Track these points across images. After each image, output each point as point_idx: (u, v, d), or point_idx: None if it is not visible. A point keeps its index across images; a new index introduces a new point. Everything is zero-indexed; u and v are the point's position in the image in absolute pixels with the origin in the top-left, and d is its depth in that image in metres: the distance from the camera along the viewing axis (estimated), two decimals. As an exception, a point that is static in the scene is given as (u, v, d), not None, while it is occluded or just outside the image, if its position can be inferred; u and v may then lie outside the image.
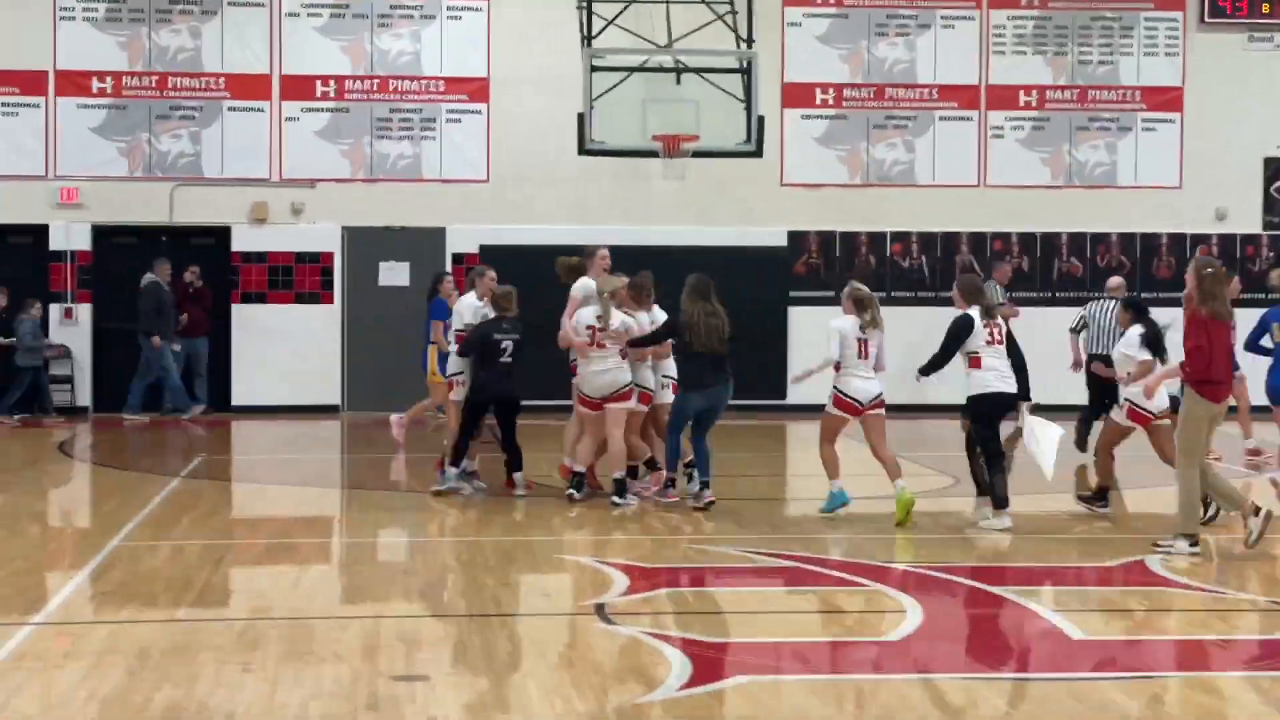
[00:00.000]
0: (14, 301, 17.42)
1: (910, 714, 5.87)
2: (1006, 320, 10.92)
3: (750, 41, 16.16)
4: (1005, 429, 10.61)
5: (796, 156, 18.91)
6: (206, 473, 13.18)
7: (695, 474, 10.88)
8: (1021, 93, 19.23)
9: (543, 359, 11.87)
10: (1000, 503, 10.06)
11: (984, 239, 19.27)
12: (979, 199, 19.22)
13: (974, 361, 10.15)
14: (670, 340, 10.91)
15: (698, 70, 15.55)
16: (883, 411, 10.71)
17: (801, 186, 18.99)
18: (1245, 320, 12.51)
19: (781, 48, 18.77)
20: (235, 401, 18.19)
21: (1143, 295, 19.18)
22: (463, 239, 18.53)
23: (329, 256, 18.45)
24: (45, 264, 18.12)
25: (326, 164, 18.41)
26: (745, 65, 15.67)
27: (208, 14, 18.25)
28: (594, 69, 15.20)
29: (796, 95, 18.96)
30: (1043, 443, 10.14)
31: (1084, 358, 15.02)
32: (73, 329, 18.12)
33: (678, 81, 15.61)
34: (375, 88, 18.50)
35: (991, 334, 10.24)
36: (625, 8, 16.13)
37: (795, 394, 18.52)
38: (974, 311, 10.30)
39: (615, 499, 10.79)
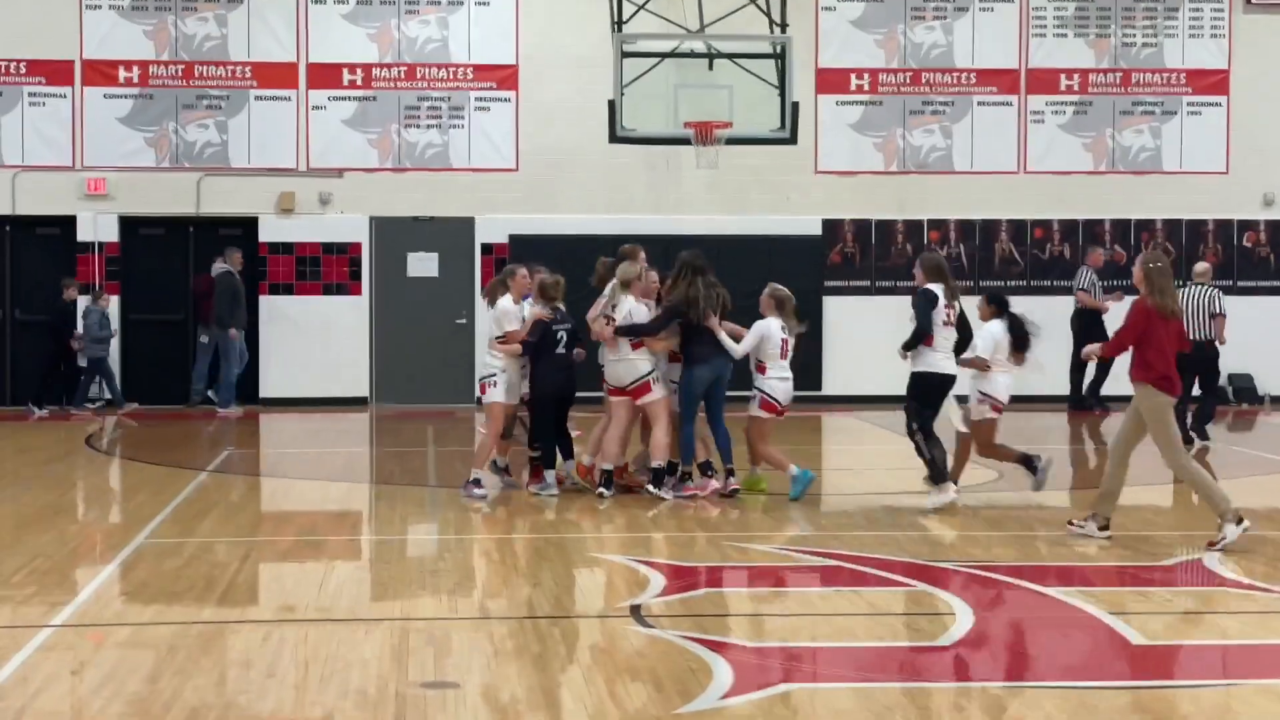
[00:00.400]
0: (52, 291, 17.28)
1: (966, 726, 5.56)
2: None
3: (784, 26, 15.85)
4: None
5: (831, 143, 18.57)
6: (233, 467, 12.96)
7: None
8: (1063, 76, 18.83)
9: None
10: (940, 476, 10.23)
11: (1024, 226, 18.89)
12: (1019, 186, 18.85)
13: (927, 340, 10.24)
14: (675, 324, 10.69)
15: (730, 56, 15.27)
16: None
17: (836, 174, 18.65)
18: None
19: (815, 32, 18.43)
20: (263, 394, 18.00)
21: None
22: (492, 229, 18.28)
23: (357, 247, 18.23)
24: (73, 255, 17.97)
25: (354, 153, 18.18)
26: (779, 50, 15.37)
27: (234, 2, 18.05)
28: (624, 55, 14.96)
29: (831, 81, 18.62)
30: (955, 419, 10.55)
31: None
32: (100, 321, 17.93)
33: (710, 67, 15.37)
34: (403, 75, 18.26)
35: (948, 315, 10.34)
36: (657, -8, 15.85)
37: (832, 385, 18.41)
38: (938, 288, 10.31)
39: (650, 487, 10.63)
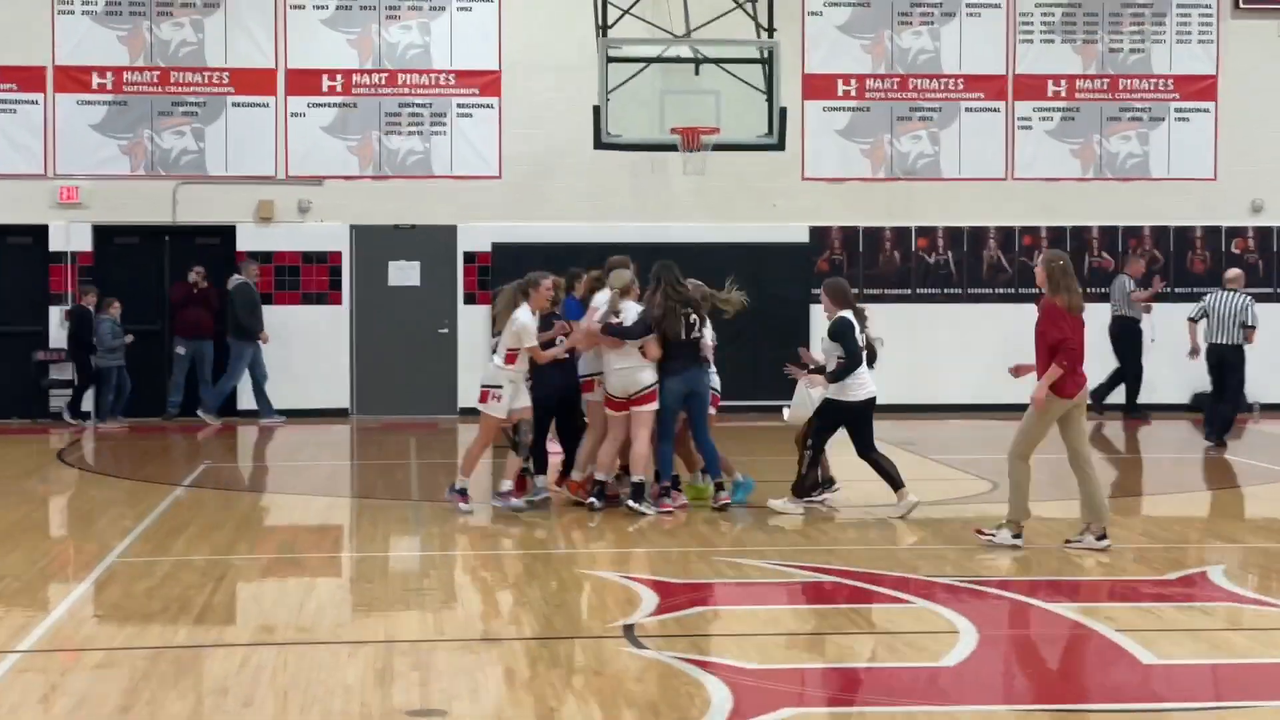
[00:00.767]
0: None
1: (979, 754, 5.31)
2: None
3: (771, 30, 15.65)
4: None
5: (818, 150, 18.35)
6: (211, 481, 12.65)
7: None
8: (1050, 82, 18.64)
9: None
10: (803, 492, 10.41)
11: (1012, 233, 18.70)
12: (1007, 192, 18.65)
13: (837, 377, 10.24)
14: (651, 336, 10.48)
15: (717, 61, 15.06)
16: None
17: (824, 181, 18.43)
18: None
19: (802, 38, 18.21)
20: (241, 405, 17.66)
21: (1177, 290, 18.72)
22: (475, 237, 18.00)
23: (337, 256, 17.93)
24: (45, 265, 17.62)
25: (334, 161, 17.88)
26: (766, 55, 15.17)
27: (210, 7, 17.72)
28: (610, 60, 14.75)
29: (818, 87, 18.40)
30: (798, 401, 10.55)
31: (1202, 347, 15.22)
32: (74, 332, 17.59)
33: (696, 72, 15.17)
34: (384, 82, 17.98)
35: (863, 339, 10.38)
36: (641, -4, 15.63)
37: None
38: (849, 314, 10.35)
39: (630, 502, 10.37)
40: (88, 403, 17.11)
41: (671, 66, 15.06)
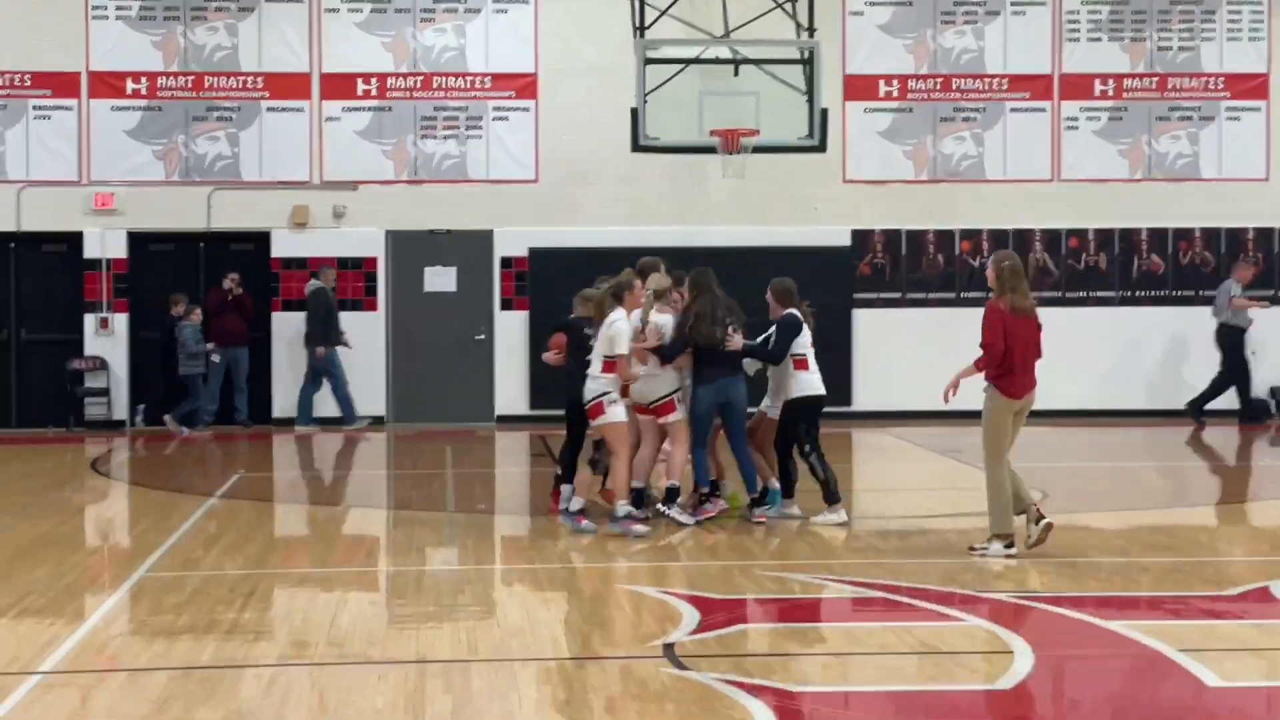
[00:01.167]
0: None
1: (1042, 788, 5.02)
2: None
3: (811, 30, 15.35)
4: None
5: (860, 152, 18.05)
6: (244, 492, 12.46)
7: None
8: (1097, 82, 18.27)
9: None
10: (834, 497, 10.22)
11: (1058, 236, 18.33)
12: (1053, 194, 18.28)
13: (800, 363, 10.20)
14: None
15: (756, 61, 14.80)
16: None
17: (865, 183, 18.12)
18: None
19: (842, 38, 17.91)
20: (276, 414, 17.51)
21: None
22: (511, 242, 17.79)
23: (372, 261, 17.75)
24: (80, 272, 17.52)
25: (369, 165, 17.71)
26: (806, 55, 14.89)
27: (245, 11, 17.59)
28: (647, 62, 14.50)
29: (859, 88, 18.09)
30: None
31: None
32: (109, 340, 17.51)
33: (735, 73, 14.91)
34: (419, 85, 17.79)
35: (812, 337, 10.34)
36: (679, -3, 15.37)
37: (863, 401, 17.86)
38: (795, 313, 10.29)
39: (660, 506, 10.15)
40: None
41: (710, 68, 14.80)
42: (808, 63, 14.84)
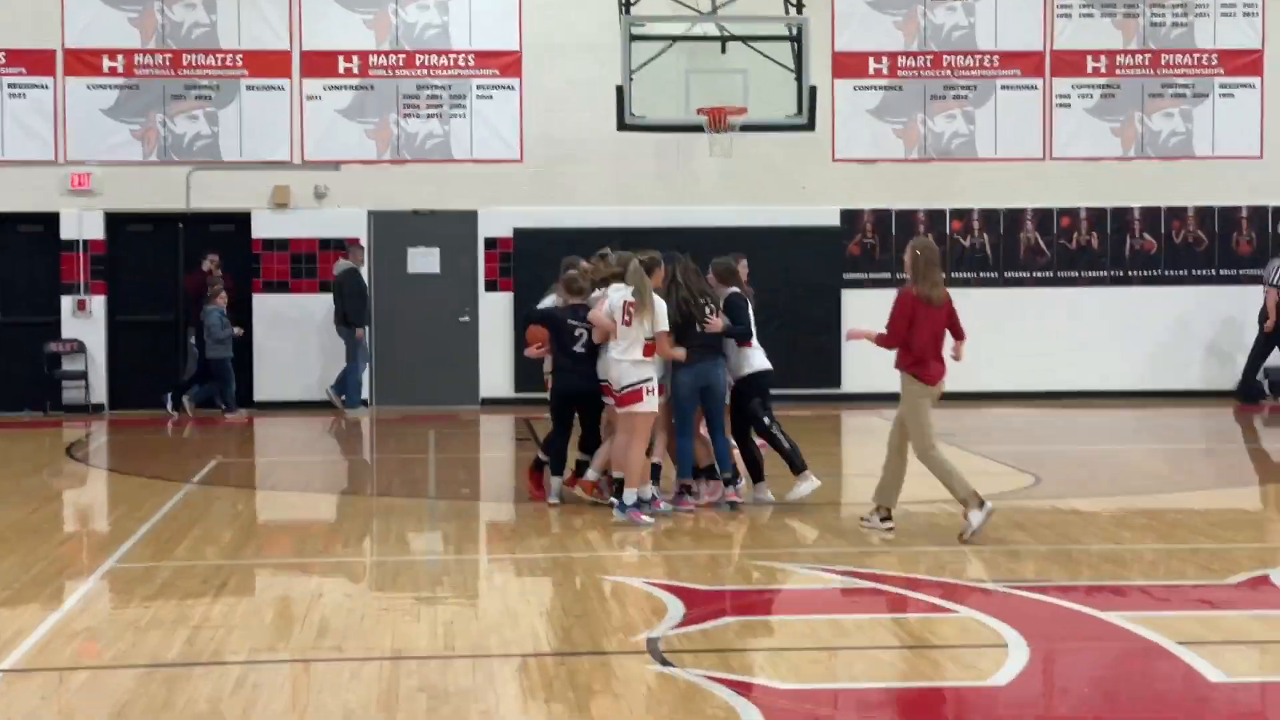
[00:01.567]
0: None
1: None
2: None
3: (800, 6, 15.14)
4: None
5: (849, 130, 17.81)
6: (222, 478, 12.22)
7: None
8: (1089, 58, 18.03)
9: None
10: (800, 466, 10.15)
11: (1050, 215, 18.12)
12: (1044, 172, 18.06)
13: (748, 341, 10.13)
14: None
15: (744, 38, 14.59)
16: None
17: (855, 162, 17.88)
18: None
19: (831, 14, 17.66)
20: (257, 397, 17.26)
21: (1222, 272, 18.12)
22: (496, 223, 17.54)
23: (355, 242, 17.47)
24: (56, 254, 17.24)
25: (351, 145, 17.43)
26: (795, 32, 14.67)
27: (223, -13, 17.29)
28: (633, 38, 14.30)
29: (848, 65, 17.84)
30: None
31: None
32: (87, 322, 17.24)
33: (723, 50, 14.74)
34: (401, 63, 17.50)
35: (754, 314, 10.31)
36: (666, -29, 15.13)
37: (851, 382, 17.64)
38: (737, 290, 10.24)
39: (612, 499, 9.78)
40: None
41: (697, 45, 14.62)
42: (796, 40, 14.62)
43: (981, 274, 18.06)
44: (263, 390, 17.28)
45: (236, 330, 16.70)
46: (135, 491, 11.41)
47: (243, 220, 17.42)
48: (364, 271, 16.97)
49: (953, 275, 18.00)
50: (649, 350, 9.55)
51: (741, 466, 10.38)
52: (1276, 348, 17.25)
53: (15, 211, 17.23)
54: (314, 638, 6.83)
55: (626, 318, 9.55)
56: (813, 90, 14.60)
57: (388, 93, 17.50)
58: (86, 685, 6.08)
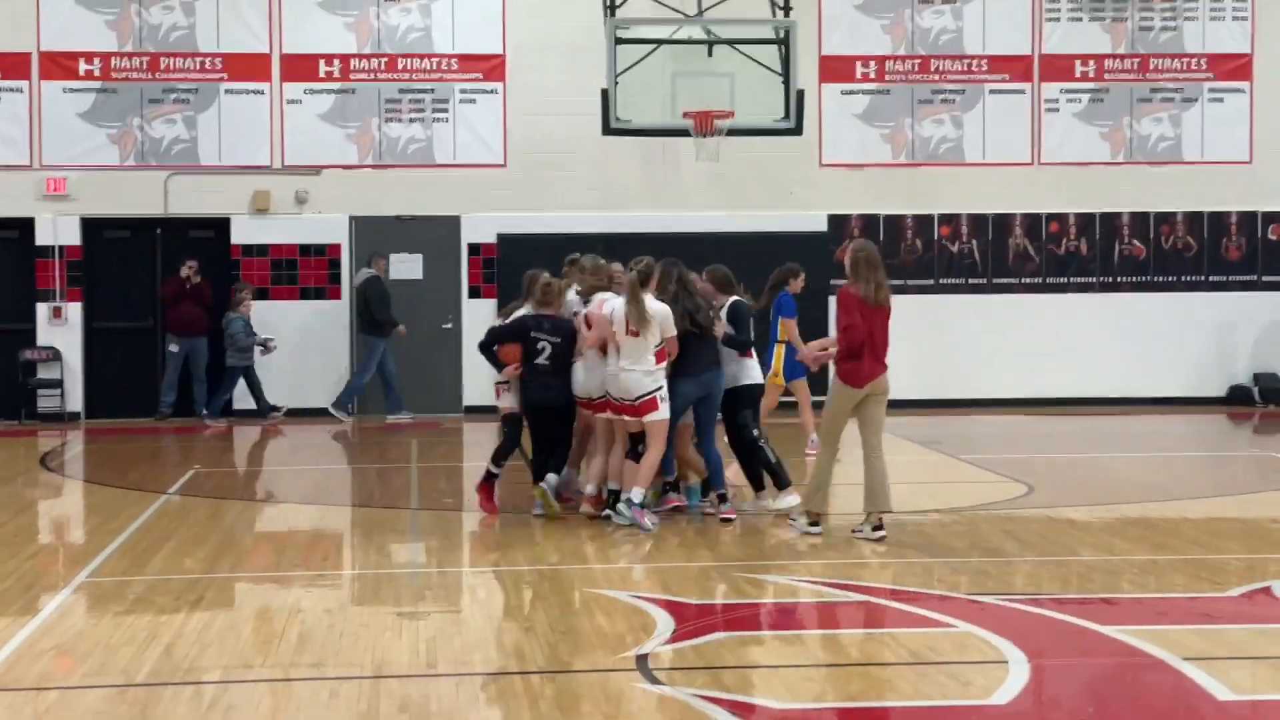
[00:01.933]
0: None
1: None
2: None
3: (787, 9, 14.96)
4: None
5: (836, 135, 17.63)
6: (199, 489, 11.95)
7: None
8: (1078, 63, 17.89)
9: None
10: (786, 482, 10.01)
11: (1039, 220, 17.96)
12: (1033, 177, 17.91)
13: (749, 351, 10.02)
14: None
15: (731, 41, 14.42)
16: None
17: (842, 167, 17.70)
18: None
19: (818, 18, 17.48)
20: (236, 405, 16.99)
21: (1211, 278, 17.99)
22: (479, 228, 17.32)
23: (336, 248, 17.25)
24: (31, 260, 16.96)
25: (332, 149, 17.19)
26: (782, 35, 14.50)
27: (202, -11, 17.04)
28: (618, 41, 14.12)
29: (835, 69, 17.67)
30: None
31: None
32: (62, 330, 16.96)
33: (709, 54, 14.57)
34: (383, 67, 17.27)
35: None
36: (651, -27, 14.94)
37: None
38: (738, 299, 10.12)
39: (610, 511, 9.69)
40: (241, 400, 16.73)
41: (683, 48, 14.47)
42: (783, 43, 14.46)
43: (970, 280, 17.90)
44: (242, 399, 17.01)
45: (269, 341, 16.44)
46: (110, 502, 11.16)
47: (222, 226, 17.17)
48: (384, 278, 16.81)
49: (941, 281, 17.87)
50: (661, 357, 9.39)
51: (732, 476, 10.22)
52: None
53: (-11, 217, 16.97)
54: (292, 655, 6.60)
55: (634, 329, 9.36)
56: (800, 94, 14.42)
57: (369, 96, 17.27)
58: (55, 707, 5.84)
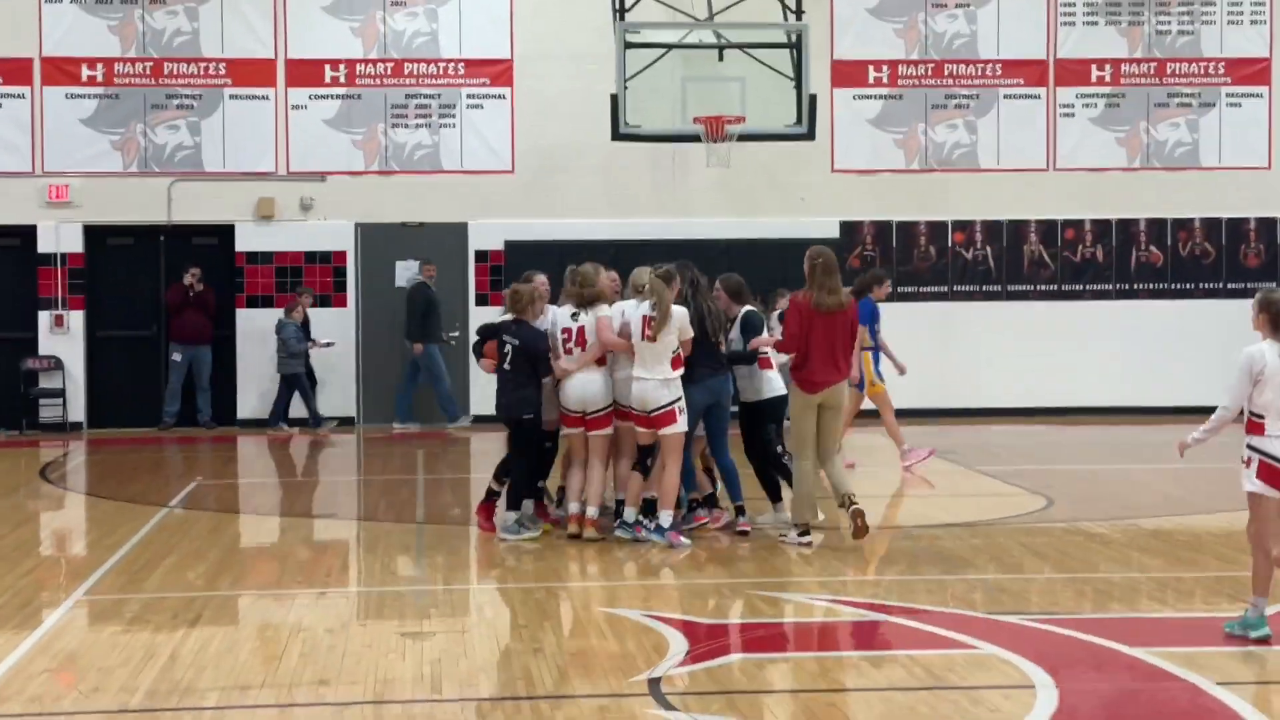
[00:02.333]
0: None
1: None
2: None
3: (799, 13, 14.73)
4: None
5: (849, 140, 17.40)
6: (201, 501, 11.74)
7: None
8: (1094, 67, 17.65)
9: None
10: (779, 496, 9.84)
11: (1054, 226, 17.72)
12: (1048, 183, 17.67)
13: (764, 363, 9.77)
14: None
15: (742, 46, 14.21)
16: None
17: (855, 173, 17.48)
18: None
19: (830, 22, 17.26)
20: (240, 415, 16.79)
21: (1229, 285, 17.73)
22: (487, 235, 17.11)
23: (341, 256, 17.04)
24: (34, 268, 16.78)
25: (337, 155, 16.99)
26: (794, 39, 14.28)
27: (206, -6, 16.85)
28: (628, 46, 13.91)
29: (848, 74, 17.45)
30: None
31: None
32: (65, 338, 16.76)
33: (720, 58, 14.36)
34: (389, 72, 17.07)
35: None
36: (661, -22, 14.73)
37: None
38: (753, 309, 9.98)
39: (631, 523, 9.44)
40: (296, 408, 16.55)
41: (693, 52, 14.25)
42: (795, 47, 14.24)
43: (984, 287, 17.65)
44: (246, 408, 16.82)
45: (326, 343, 16.31)
46: (110, 516, 10.95)
47: (226, 233, 16.98)
48: (432, 284, 16.66)
49: (955, 289, 17.63)
50: (677, 363, 9.16)
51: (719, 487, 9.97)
52: None
53: (-9, 224, 16.78)
54: (290, 678, 6.37)
55: (649, 332, 9.13)
56: (812, 99, 14.21)
57: (375, 102, 17.07)
58: (43, 735, 5.63)
